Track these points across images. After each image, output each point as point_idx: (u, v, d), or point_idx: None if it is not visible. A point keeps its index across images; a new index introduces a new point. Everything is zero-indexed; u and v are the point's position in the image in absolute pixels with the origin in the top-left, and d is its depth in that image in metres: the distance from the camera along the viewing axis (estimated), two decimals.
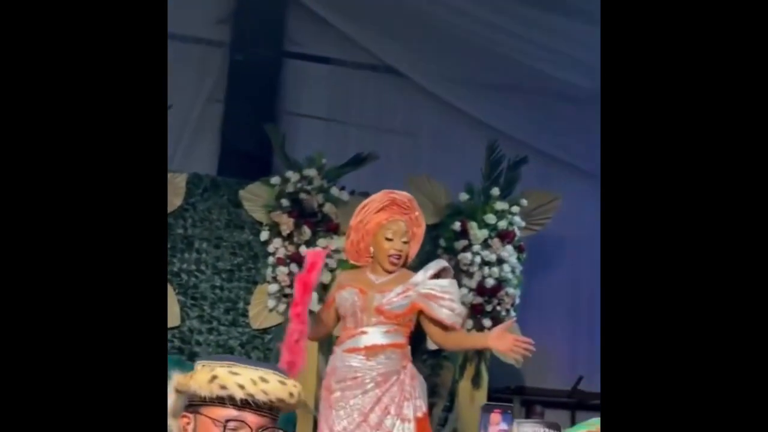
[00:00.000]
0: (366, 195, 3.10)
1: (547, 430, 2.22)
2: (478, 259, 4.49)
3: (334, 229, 4.30)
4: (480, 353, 4.59)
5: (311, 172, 4.44)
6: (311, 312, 2.61)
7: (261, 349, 4.42)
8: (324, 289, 3.60)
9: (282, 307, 4.17)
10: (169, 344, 4.08)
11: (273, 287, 4.29)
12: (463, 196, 4.76)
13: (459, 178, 5.24)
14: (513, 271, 4.56)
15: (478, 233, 4.53)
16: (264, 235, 4.39)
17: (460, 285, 4.52)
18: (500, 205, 4.69)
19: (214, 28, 5.46)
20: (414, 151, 5.75)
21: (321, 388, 2.65)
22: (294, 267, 4.17)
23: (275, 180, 4.46)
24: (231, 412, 1.24)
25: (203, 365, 1.29)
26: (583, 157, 5.37)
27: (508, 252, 4.59)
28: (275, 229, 4.32)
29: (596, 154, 1.59)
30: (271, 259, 4.33)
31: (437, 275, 2.59)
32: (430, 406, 3.37)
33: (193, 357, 3.96)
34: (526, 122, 5.57)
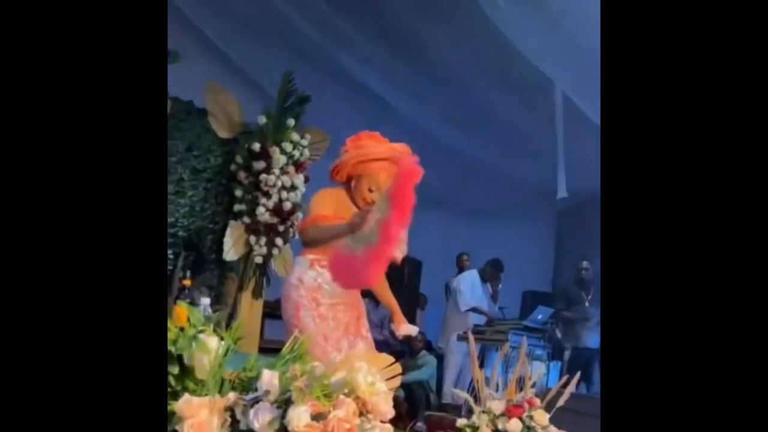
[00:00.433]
0: None
1: None
2: (279, 182, 4.87)
3: None
4: (263, 271, 5.04)
5: None
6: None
7: None
8: None
9: None
10: None
11: None
12: (262, 119, 5.03)
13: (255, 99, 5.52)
14: (303, 199, 5.03)
15: (279, 158, 4.89)
16: None
17: (256, 204, 4.90)
18: (295, 136, 5.09)
19: None
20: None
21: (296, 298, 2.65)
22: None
23: None
24: None
25: None
26: None
27: (300, 180, 5.05)
28: None
29: None
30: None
31: None
32: (215, 311, 3.72)
33: None
34: None
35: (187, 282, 4.21)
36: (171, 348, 1.32)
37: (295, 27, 5.72)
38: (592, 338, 5.92)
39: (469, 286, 6.49)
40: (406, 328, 2.86)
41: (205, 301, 2.80)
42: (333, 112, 5.75)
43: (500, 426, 2.49)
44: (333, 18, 5.55)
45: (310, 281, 2.68)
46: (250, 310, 4.94)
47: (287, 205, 4.88)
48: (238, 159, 4.97)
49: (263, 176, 4.85)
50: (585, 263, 6.16)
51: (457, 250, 7.21)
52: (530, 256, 7.78)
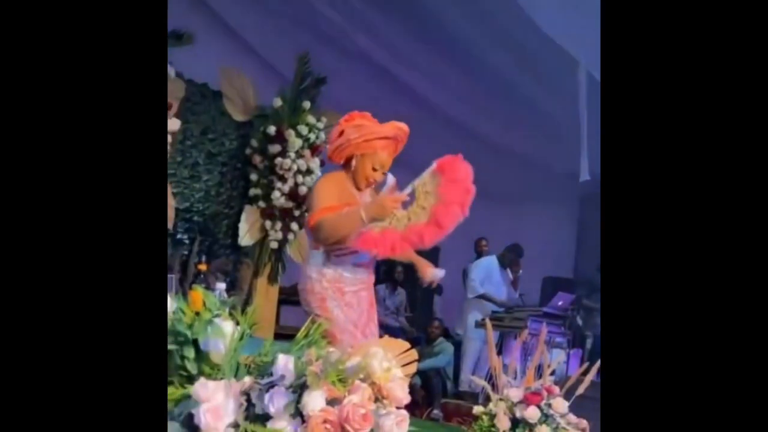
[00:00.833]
0: None
1: None
2: (295, 166, 4.89)
3: None
4: (278, 256, 5.08)
5: None
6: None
7: None
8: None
9: None
10: None
11: None
12: (277, 102, 5.04)
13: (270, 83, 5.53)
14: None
15: (295, 141, 4.91)
16: None
17: (272, 188, 4.93)
18: (311, 119, 5.10)
19: None
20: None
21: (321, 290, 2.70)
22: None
23: None
24: None
25: None
26: None
27: (316, 164, 5.07)
28: None
29: None
30: None
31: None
32: (230, 296, 3.77)
33: None
34: None
35: (203, 267, 4.26)
36: (187, 332, 1.35)
37: (311, 7, 5.72)
38: None
39: (482, 272, 6.47)
40: (431, 273, 2.86)
41: (221, 286, 2.83)
42: (349, 94, 5.75)
43: (518, 414, 2.51)
44: None
45: (330, 272, 2.72)
46: (265, 295, 4.99)
47: (303, 190, 4.90)
48: (253, 143, 5.00)
49: (278, 160, 4.88)
50: None
51: (475, 234, 7.20)
52: (551, 242, 7.74)
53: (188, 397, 1.29)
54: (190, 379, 1.32)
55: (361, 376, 1.32)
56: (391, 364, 1.37)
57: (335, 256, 2.73)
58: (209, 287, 2.56)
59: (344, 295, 2.73)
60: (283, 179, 4.89)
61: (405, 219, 2.57)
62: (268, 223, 4.93)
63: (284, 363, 1.32)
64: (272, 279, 5.06)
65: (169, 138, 4.17)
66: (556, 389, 2.58)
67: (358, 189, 2.77)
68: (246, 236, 4.94)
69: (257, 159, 4.96)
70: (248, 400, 1.30)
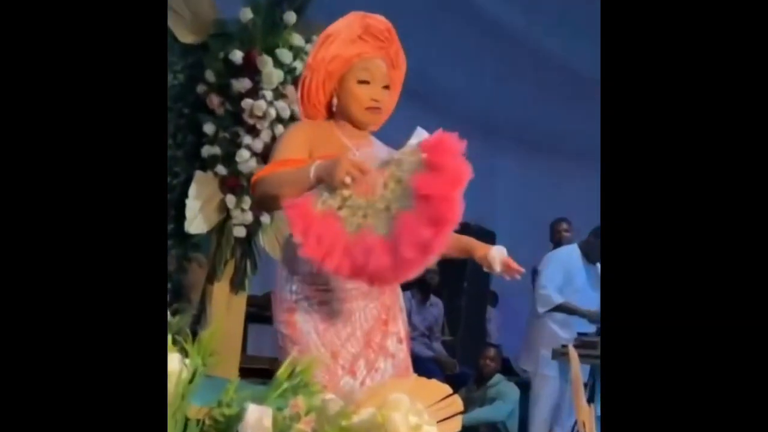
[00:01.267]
0: None
1: None
2: (272, 112, 4.87)
3: None
4: (246, 250, 5.09)
5: None
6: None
7: None
8: None
9: None
10: None
11: None
12: (245, 14, 5.02)
13: None
14: None
15: (273, 73, 4.87)
16: None
17: (237, 145, 4.93)
18: (297, 39, 5.07)
19: None
20: None
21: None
22: None
23: None
24: None
25: None
26: None
27: None
28: None
29: None
30: None
31: None
32: (174, 314, 3.76)
33: None
34: None
35: None
36: None
37: None
38: None
39: (558, 272, 6.43)
40: (494, 253, 2.82)
41: None
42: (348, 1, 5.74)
43: None
44: None
45: (305, 269, 2.69)
46: (226, 310, 5.01)
47: None
48: (209, 76, 5.00)
49: (247, 102, 4.86)
50: None
51: (551, 215, 7.13)
52: None
53: None
54: None
55: None
56: (423, 419, 1.37)
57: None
58: None
59: (324, 307, 2.72)
60: (254, 131, 4.89)
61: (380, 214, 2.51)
62: (230, 199, 4.96)
63: (257, 418, 1.31)
64: (236, 284, 5.09)
65: None
66: None
67: (360, 127, 2.85)
68: (197, 219, 4.97)
69: (215, 101, 4.98)
70: None
